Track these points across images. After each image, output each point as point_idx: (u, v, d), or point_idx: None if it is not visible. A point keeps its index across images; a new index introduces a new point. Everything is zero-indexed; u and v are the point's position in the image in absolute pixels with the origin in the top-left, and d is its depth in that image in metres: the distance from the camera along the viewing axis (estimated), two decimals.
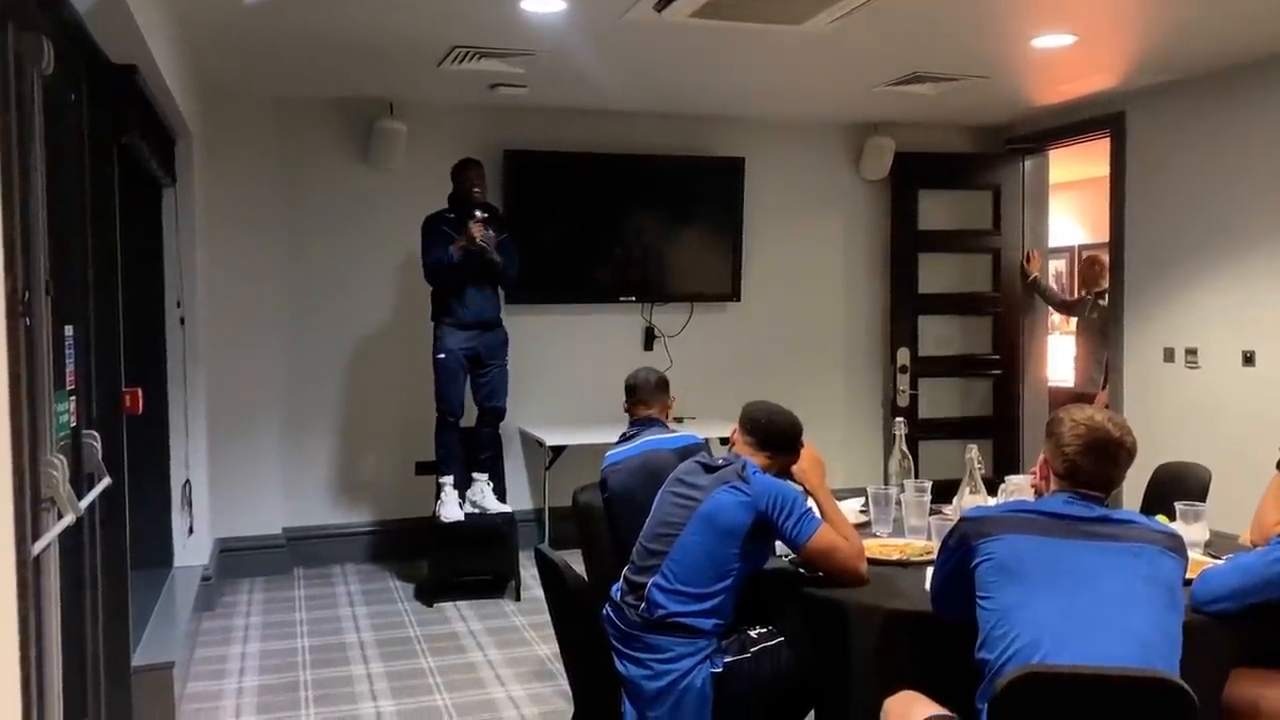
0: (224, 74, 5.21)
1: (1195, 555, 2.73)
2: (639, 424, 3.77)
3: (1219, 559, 2.73)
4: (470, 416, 5.38)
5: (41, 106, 2.35)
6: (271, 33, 4.44)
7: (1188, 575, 2.31)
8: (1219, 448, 5.01)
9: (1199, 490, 3.51)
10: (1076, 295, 7.29)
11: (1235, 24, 4.45)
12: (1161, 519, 2.59)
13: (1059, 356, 7.78)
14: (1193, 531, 2.93)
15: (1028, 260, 6.77)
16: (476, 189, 5.21)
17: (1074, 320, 7.22)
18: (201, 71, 5.09)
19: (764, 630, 2.80)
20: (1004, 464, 6.50)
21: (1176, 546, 2.21)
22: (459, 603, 5.21)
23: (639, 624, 2.78)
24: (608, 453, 3.62)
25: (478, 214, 5.11)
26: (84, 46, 2.98)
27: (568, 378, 6.25)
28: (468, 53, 4.78)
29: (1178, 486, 3.53)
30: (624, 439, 3.72)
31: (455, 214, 5.20)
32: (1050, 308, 7.11)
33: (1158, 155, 5.72)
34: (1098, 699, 1.96)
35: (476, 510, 5.33)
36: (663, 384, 3.87)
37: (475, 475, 5.39)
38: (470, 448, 5.39)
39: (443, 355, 5.19)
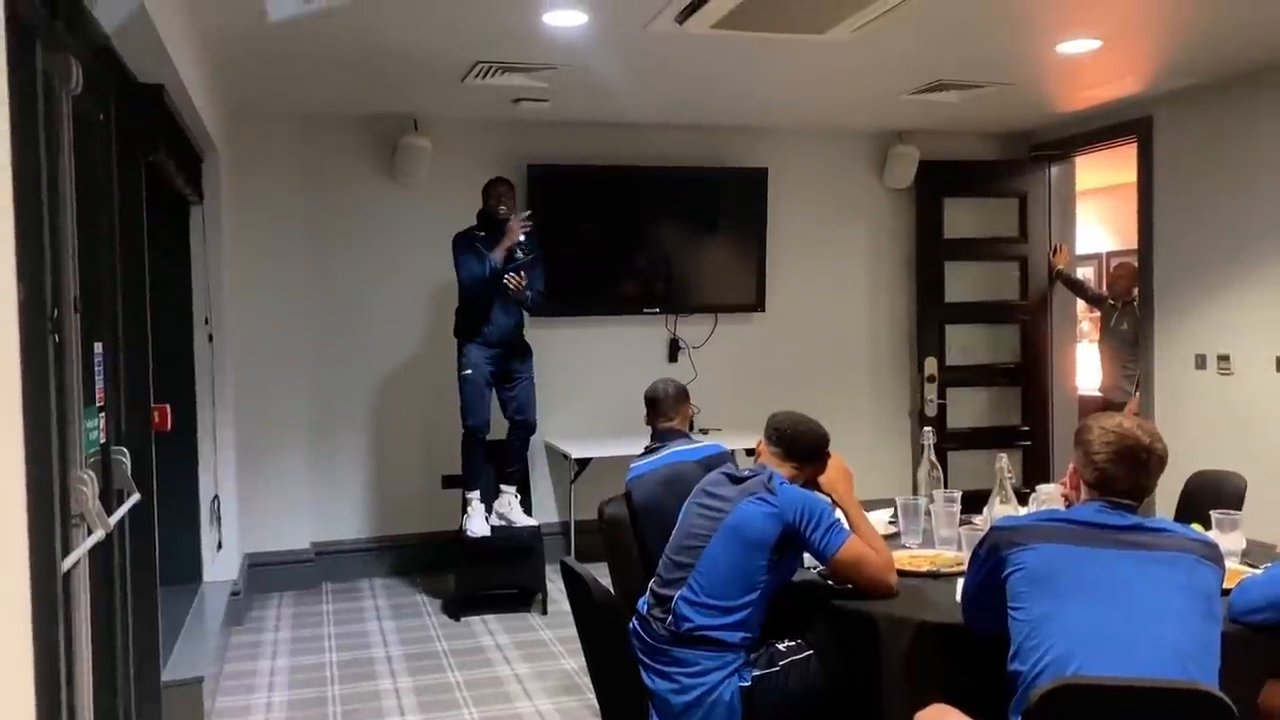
0: (250, 92, 5.26)
1: (1232, 565, 2.69)
2: (662, 436, 3.75)
3: (1256, 568, 2.69)
4: (499, 430, 5.38)
5: (70, 126, 2.37)
6: (296, 50, 4.48)
7: (1226, 585, 2.27)
8: (1253, 455, 4.93)
9: (1234, 498, 3.46)
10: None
11: (1262, 27, 4.39)
12: (1197, 528, 2.54)
13: (1088, 364, 7.70)
14: (1229, 540, 2.88)
15: (1055, 253, 6.71)
16: (502, 206, 5.21)
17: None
18: (228, 90, 5.14)
19: (793, 643, 2.78)
20: (1034, 473, 6.44)
21: (1213, 555, 2.18)
22: (486, 616, 5.21)
23: (666, 637, 2.76)
24: (631, 465, 3.61)
25: (521, 215, 5.12)
26: (112, 66, 3.01)
27: (592, 390, 6.25)
28: (491, 68, 4.80)
29: (1212, 495, 3.48)
30: (648, 451, 3.71)
31: (485, 231, 5.21)
32: (1081, 300, 7.00)
33: (1186, 160, 5.66)
34: (1134, 710, 1.92)
35: (503, 523, 5.33)
36: (682, 394, 3.85)
37: (503, 488, 5.39)
38: (498, 461, 5.39)
39: (468, 372, 5.20)
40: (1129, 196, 6.25)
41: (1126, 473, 2.23)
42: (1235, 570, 2.63)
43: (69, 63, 2.30)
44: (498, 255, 5.06)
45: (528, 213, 5.16)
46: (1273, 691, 2.40)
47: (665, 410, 3.81)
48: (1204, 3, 4.05)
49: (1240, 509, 3.30)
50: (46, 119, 2.23)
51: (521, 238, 5.11)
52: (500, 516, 5.34)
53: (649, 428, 3.88)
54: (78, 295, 2.42)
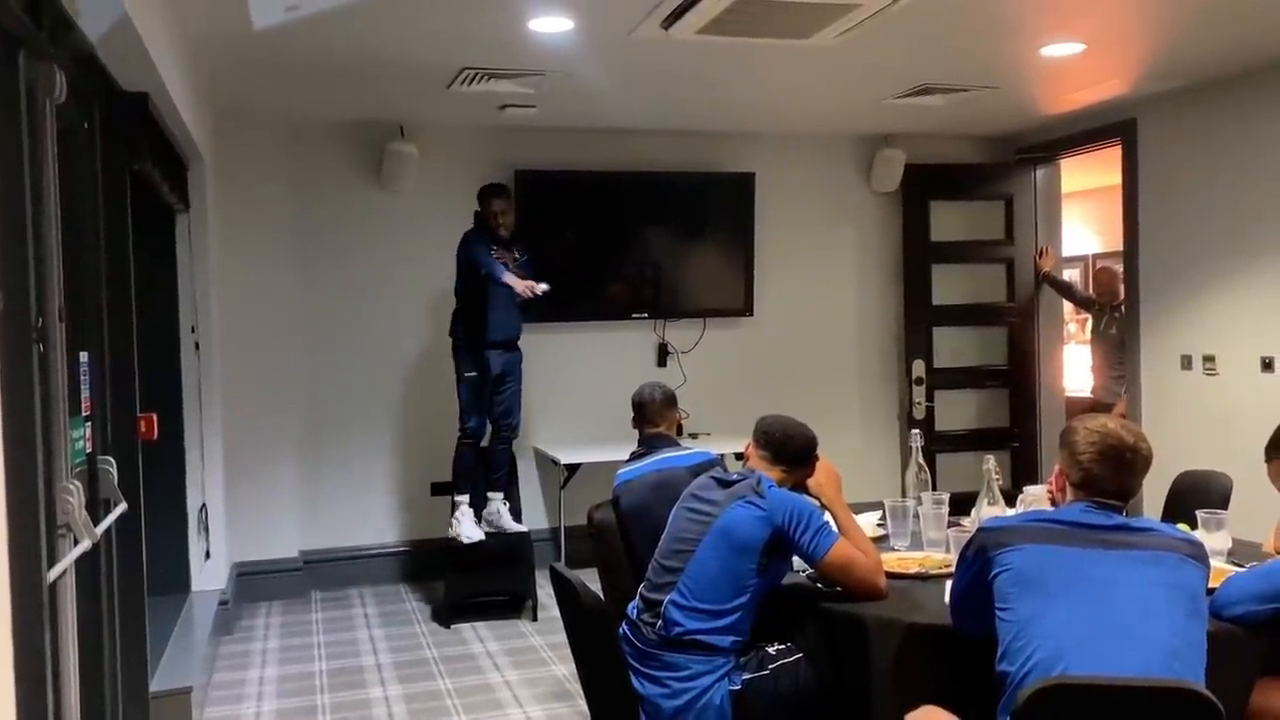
0: (236, 99, 5.25)
1: (1218, 564, 2.71)
2: (649, 441, 3.73)
3: (1242, 567, 2.70)
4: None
5: (54, 135, 2.36)
6: (282, 58, 4.48)
7: (1211, 584, 2.28)
8: (1239, 455, 4.92)
9: (1220, 498, 3.48)
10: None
11: (1245, 30, 4.43)
12: (1183, 527, 2.56)
13: (1075, 366, 7.73)
14: (1215, 540, 2.89)
15: (1041, 255, 6.73)
16: (503, 229, 5.17)
17: (1088, 329, 7.17)
18: (213, 97, 5.13)
19: (783, 647, 2.78)
20: (1022, 475, 6.45)
21: (1198, 554, 2.19)
22: (476, 623, 5.20)
23: (656, 642, 2.76)
24: (619, 471, 3.61)
25: (541, 288, 4.98)
26: (96, 75, 3.00)
27: (581, 396, 6.25)
28: (477, 74, 4.81)
29: (1199, 495, 3.51)
30: (635, 457, 3.69)
31: (486, 237, 5.18)
32: (1069, 302, 7.03)
33: (1170, 162, 5.70)
34: (1121, 710, 1.93)
35: (493, 530, 5.32)
36: (669, 399, 3.83)
37: (490, 495, 5.38)
38: (484, 467, 5.38)
39: (474, 374, 5.18)
40: (1114, 199, 6.29)
41: (1112, 473, 2.24)
42: (1221, 569, 2.65)
43: (53, 71, 2.30)
44: (510, 280, 4.98)
45: (545, 287, 5.01)
46: (1265, 693, 2.41)
47: (651, 416, 3.80)
48: (1187, 6, 4.07)
49: (1226, 509, 3.32)
50: (30, 127, 2.22)
51: (530, 295, 5.00)
52: (489, 524, 5.33)
53: (636, 431, 3.87)
54: (63, 304, 2.41)
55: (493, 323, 5.18)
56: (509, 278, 5.00)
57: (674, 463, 3.54)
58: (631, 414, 3.90)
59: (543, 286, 5.01)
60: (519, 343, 5.38)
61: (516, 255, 5.25)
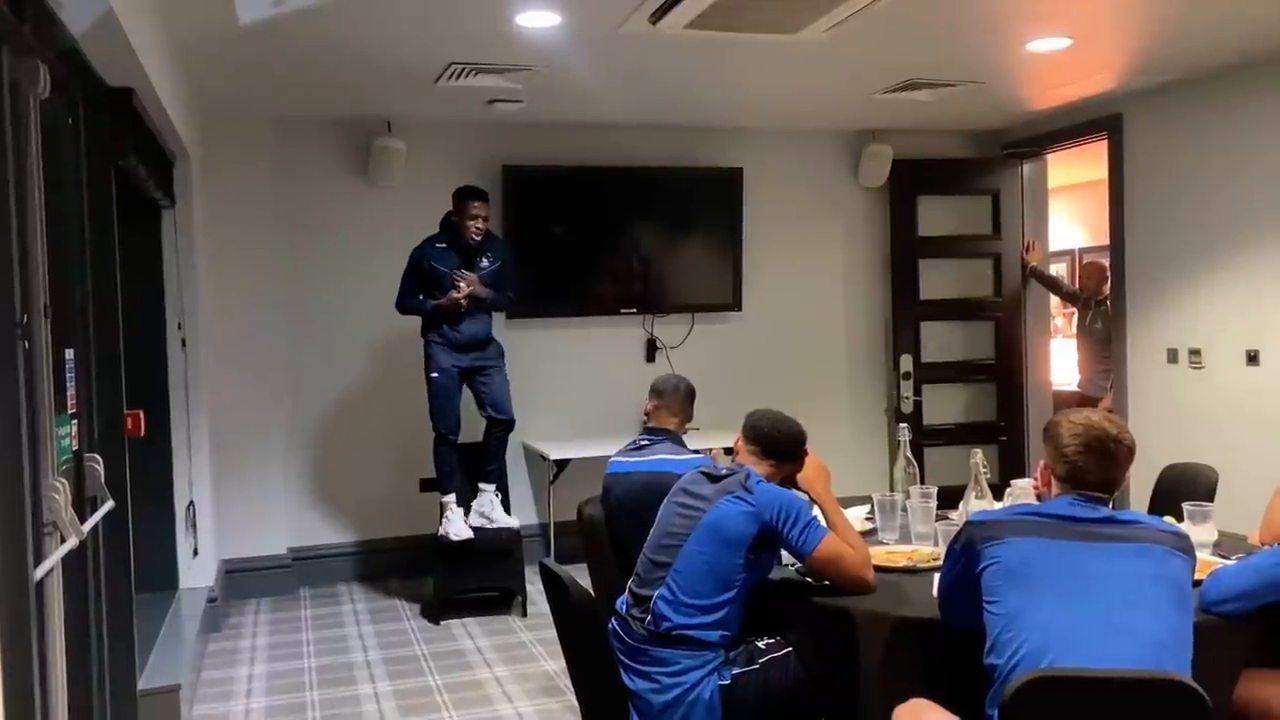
0: (222, 95, 5.22)
1: (1204, 556, 2.72)
2: (654, 434, 3.61)
3: (1228, 559, 2.72)
4: (473, 431, 5.35)
5: (39, 130, 2.35)
6: (268, 53, 4.46)
7: (1197, 576, 2.29)
8: (1225, 448, 4.98)
9: (1206, 491, 3.50)
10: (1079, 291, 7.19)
11: (1230, 24, 4.44)
12: (1169, 520, 2.57)
13: (1062, 359, 7.76)
14: (1201, 532, 2.91)
15: (1027, 250, 6.75)
16: (475, 234, 5.12)
17: (1075, 323, 7.20)
18: (199, 93, 5.10)
19: (772, 641, 2.78)
20: (1009, 468, 6.48)
21: (1184, 545, 2.20)
22: (465, 619, 5.19)
23: (645, 637, 2.76)
24: (614, 457, 3.55)
25: (464, 279, 5.06)
26: (80, 70, 2.98)
27: (570, 391, 6.24)
28: (464, 69, 4.79)
29: (1185, 487, 3.52)
30: (635, 447, 3.60)
31: (447, 242, 5.16)
32: (1055, 296, 7.06)
33: (1156, 156, 5.72)
34: (1109, 701, 1.94)
35: (485, 521, 5.29)
36: (691, 396, 3.69)
37: (482, 486, 5.35)
38: (476, 460, 5.36)
39: (436, 374, 5.15)
40: (1101, 193, 6.31)
41: (1096, 465, 2.25)
42: (1206, 561, 2.66)
43: (36, 66, 2.29)
44: (431, 304, 5.09)
45: (473, 279, 5.08)
46: (1250, 683, 2.43)
47: (668, 405, 3.66)
48: (1173, 2, 4.09)
49: (1212, 501, 3.34)
50: (13, 122, 2.21)
51: (464, 303, 5.07)
52: (481, 515, 5.31)
53: (645, 418, 3.75)
54: (48, 301, 2.40)
55: (451, 327, 5.13)
56: (432, 304, 5.09)
57: (670, 467, 3.41)
58: (627, 409, 3.80)
59: (469, 279, 5.07)
60: (492, 338, 5.31)
61: (486, 262, 5.21)
